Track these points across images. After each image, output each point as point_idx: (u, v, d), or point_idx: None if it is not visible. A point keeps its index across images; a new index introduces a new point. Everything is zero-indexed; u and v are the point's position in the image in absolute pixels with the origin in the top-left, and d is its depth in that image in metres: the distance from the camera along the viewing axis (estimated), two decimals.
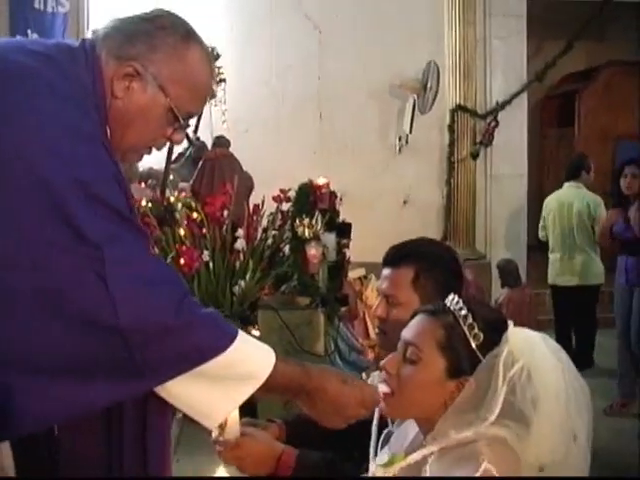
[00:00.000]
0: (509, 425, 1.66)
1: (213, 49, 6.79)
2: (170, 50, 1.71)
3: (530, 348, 1.72)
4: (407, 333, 1.84)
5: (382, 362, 1.85)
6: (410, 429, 1.92)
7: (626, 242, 5.99)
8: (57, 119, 1.55)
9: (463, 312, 1.77)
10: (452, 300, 1.82)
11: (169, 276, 1.66)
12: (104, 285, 1.48)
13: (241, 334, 1.68)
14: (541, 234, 7.51)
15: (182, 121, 1.76)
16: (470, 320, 1.75)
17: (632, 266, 5.93)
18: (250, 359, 1.68)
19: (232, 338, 1.64)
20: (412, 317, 1.88)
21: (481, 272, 7.83)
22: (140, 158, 1.87)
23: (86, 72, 1.66)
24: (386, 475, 1.82)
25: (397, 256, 2.34)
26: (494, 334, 1.74)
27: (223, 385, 1.65)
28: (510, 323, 1.80)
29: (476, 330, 1.74)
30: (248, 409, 3.97)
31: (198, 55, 1.76)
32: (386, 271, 2.34)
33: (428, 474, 1.71)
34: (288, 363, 1.78)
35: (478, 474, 1.61)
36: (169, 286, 1.61)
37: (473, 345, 1.74)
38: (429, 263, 2.29)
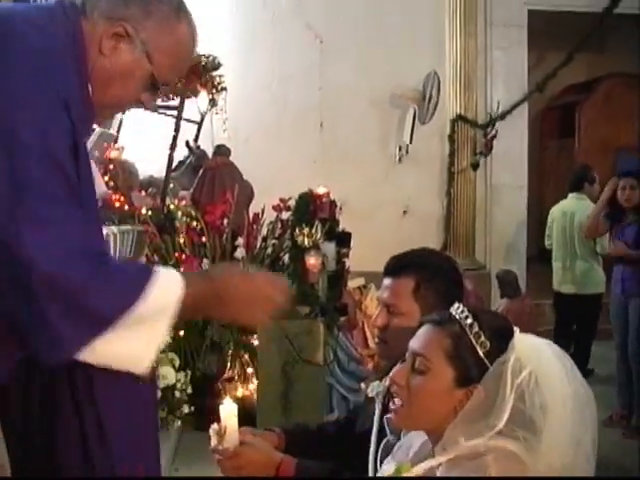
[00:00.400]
0: (518, 435, 1.66)
1: (214, 58, 6.80)
2: (163, 20, 1.78)
3: (537, 354, 1.73)
4: (415, 344, 1.84)
5: (390, 374, 1.86)
6: (415, 439, 1.92)
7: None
8: (28, 77, 1.59)
9: (469, 320, 1.77)
10: (457, 309, 1.82)
11: (87, 233, 1.65)
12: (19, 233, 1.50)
13: (149, 279, 1.65)
14: (547, 242, 7.61)
15: (159, 89, 1.85)
16: (476, 328, 1.76)
17: (628, 276, 5.93)
18: (161, 297, 1.65)
19: (144, 286, 1.62)
20: (418, 327, 1.88)
21: (481, 282, 7.83)
22: (112, 116, 1.95)
23: (65, 30, 1.71)
24: None
25: (398, 266, 2.35)
26: (501, 341, 1.75)
27: (140, 331, 1.63)
28: (516, 329, 1.81)
29: (482, 338, 1.75)
30: (247, 418, 3.97)
31: (186, 29, 1.83)
32: (387, 281, 2.35)
33: None
34: (195, 280, 1.75)
35: None
36: (83, 243, 1.60)
37: (480, 353, 1.74)
38: (430, 273, 2.30)
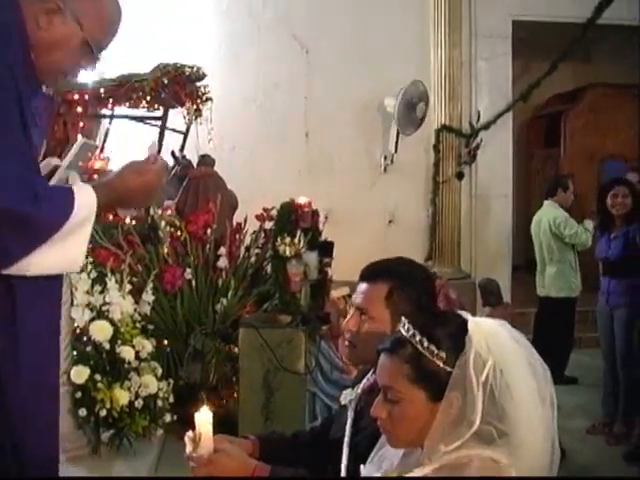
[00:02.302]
0: (493, 432, 1.70)
1: (199, 69, 6.81)
2: None
3: (494, 341, 1.76)
4: (379, 378, 1.87)
5: (371, 411, 1.87)
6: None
7: (608, 263, 6.05)
8: None
9: (418, 337, 1.79)
10: (404, 327, 1.84)
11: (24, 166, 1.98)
12: None
13: (73, 198, 2.01)
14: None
15: (96, 53, 2.14)
16: (426, 343, 1.78)
17: (614, 287, 5.96)
18: (83, 209, 2.02)
19: (72, 204, 1.99)
20: (378, 354, 1.90)
21: (466, 291, 7.85)
22: (57, 81, 2.35)
23: (7, 9, 1.98)
24: None
25: (373, 272, 2.39)
26: (457, 342, 1.77)
27: (72, 237, 2.00)
28: (468, 316, 1.84)
29: (436, 350, 1.77)
30: (229, 426, 3.98)
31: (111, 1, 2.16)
32: (362, 286, 2.39)
33: None
34: (100, 190, 2.10)
35: None
36: (19, 174, 1.92)
37: (440, 364, 1.76)
38: (403, 281, 2.33)
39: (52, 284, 2.10)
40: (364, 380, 2.39)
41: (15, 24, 1.98)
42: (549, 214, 7.32)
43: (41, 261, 1.95)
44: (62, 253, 1.99)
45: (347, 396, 2.42)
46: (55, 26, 2.03)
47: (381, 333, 2.22)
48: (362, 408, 2.32)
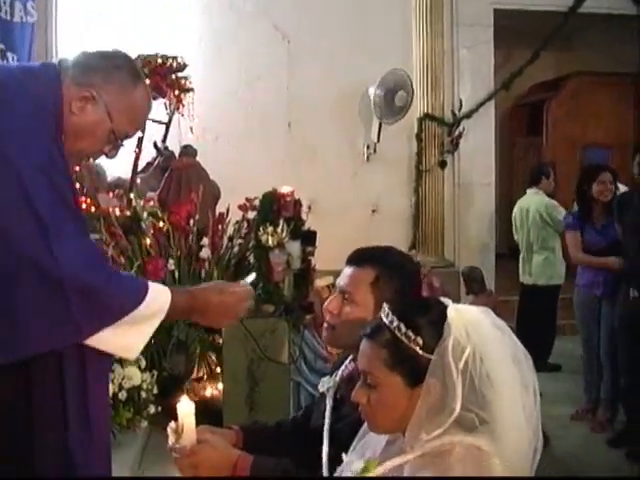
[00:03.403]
0: (474, 419, 1.72)
1: (180, 59, 6.79)
2: (121, 85, 2.22)
3: (474, 328, 1.76)
4: (359, 362, 1.88)
5: (352, 396, 1.88)
6: (383, 435, 1.94)
7: (597, 251, 5.96)
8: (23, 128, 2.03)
9: (395, 323, 1.80)
10: (384, 312, 1.85)
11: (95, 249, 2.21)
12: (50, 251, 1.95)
13: (149, 286, 2.16)
14: (515, 237, 7.79)
15: (119, 142, 2.29)
16: (404, 329, 1.78)
17: (604, 278, 5.87)
18: (155, 303, 2.14)
19: (144, 294, 2.11)
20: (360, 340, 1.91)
21: (450, 280, 7.85)
22: (80, 162, 2.63)
23: (47, 91, 2.12)
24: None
25: (362, 257, 2.39)
26: (435, 328, 1.77)
27: (137, 326, 2.12)
28: (448, 302, 1.84)
29: (413, 336, 1.77)
30: (213, 416, 3.98)
31: (142, 93, 2.30)
32: (348, 269, 2.38)
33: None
34: (179, 294, 2.26)
35: None
36: (96, 253, 2.15)
37: (418, 350, 1.76)
38: (391, 269, 2.33)
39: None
40: (342, 367, 2.39)
41: (53, 107, 2.13)
42: (537, 202, 7.37)
43: (101, 341, 2.07)
44: (124, 339, 2.11)
45: (325, 384, 2.42)
46: (87, 113, 2.17)
47: (361, 319, 2.23)
48: (342, 396, 2.33)
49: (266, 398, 4.88)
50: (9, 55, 7.04)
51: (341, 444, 2.09)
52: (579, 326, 6.30)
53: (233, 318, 2.39)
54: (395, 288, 2.30)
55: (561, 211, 7.12)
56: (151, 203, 6.26)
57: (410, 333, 1.77)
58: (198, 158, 6.97)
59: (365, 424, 1.95)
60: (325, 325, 2.41)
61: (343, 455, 2.02)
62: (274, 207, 5.06)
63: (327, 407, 2.33)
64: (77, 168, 5.87)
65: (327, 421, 2.29)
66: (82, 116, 2.16)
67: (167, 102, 7.00)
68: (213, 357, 5.75)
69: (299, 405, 5.30)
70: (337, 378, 2.39)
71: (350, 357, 2.38)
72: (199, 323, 2.44)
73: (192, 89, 7.04)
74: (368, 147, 9.02)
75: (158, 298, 2.15)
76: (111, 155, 2.33)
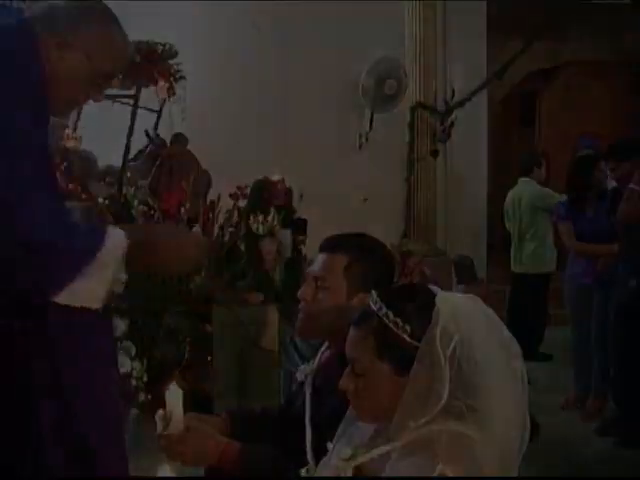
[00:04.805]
0: (461, 406, 1.70)
1: (171, 46, 6.77)
2: (95, 25, 2.17)
3: (462, 317, 1.75)
4: (347, 349, 1.86)
5: (339, 383, 1.86)
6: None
7: (589, 241, 5.92)
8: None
9: (383, 310, 1.78)
10: (373, 300, 1.83)
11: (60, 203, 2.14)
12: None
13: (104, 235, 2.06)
14: (507, 226, 7.77)
15: (103, 82, 2.25)
16: (391, 316, 1.77)
17: (593, 265, 5.87)
18: (113, 250, 2.05)
19: (101, 243, 2.02)
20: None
21: (442, 268, 7.87)
22: (69, 112, 2.63)
23: (23, 48, 2.07)
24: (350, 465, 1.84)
25: (334, 243, 2.38)
26: (423, 315, 1.76)
27: (100, 275, 2.02)
28: (437, 290, 1.84)
29: (401, 323, 1.76)
30: (204, 404, 3.97)
31: (117, 29, 2.22)
32: (321, 256, 2.38)
33: (388, 471, 1.74)
34: (133, 235, 2.13)
35: (435, 474, 1.64)
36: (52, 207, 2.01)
37: (406, 338, 1.75)
38: (364, 255, 2.33)
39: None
40: (319, 354, 2.39)
41: (34, 63, 2.08)
42: (530, 190, 7.37)
43: (71, 290, 2.00)
44: (89, 286, 2.02)
45: (302, 371, 2.42)
46: (65, 60, 2.13)
47: (334, 306, 2.23)
48: (320, 384, 2.32)
49: (256, 386, 4.88)
50: None
51: (324, 432, 2.08)
52: (570, 315, 6.30)
53: (186, 260, 2.26)
54: (368, 273, 2.30)
55: (557, 196, 7.05)
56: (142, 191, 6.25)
57: (398, 320, 1.76)
58: (189, 146, 6.96)
59: (349, 410, 1.94)
60: (300, 315, 2.39)
61: (328, 444, 2.01)
62: (264, 195, 5.05)
63: (307, 395, 2.33)
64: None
65: (308, 409, 2.28)
66: (61, 63, 2.12)
67: (158, 90, 6.98)
68: (203, 345, 5.74)
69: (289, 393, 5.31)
70: (314, 366, 2.38)
71: (326, 344, 2.37)
72: (150, 266, 2.37)
73: (184, 77, 7.02)
74: (360, 136, 9.01)
75: (116, 242, 2.08)
76: (97, 99, 2.32)
